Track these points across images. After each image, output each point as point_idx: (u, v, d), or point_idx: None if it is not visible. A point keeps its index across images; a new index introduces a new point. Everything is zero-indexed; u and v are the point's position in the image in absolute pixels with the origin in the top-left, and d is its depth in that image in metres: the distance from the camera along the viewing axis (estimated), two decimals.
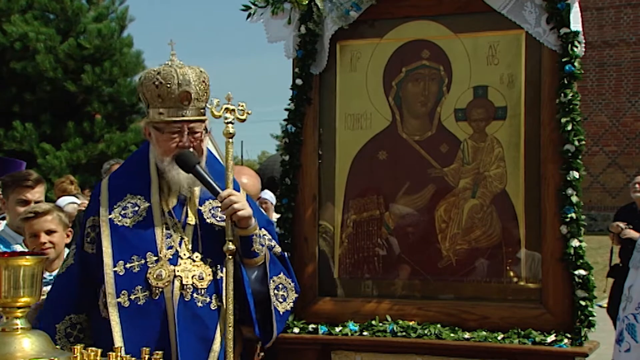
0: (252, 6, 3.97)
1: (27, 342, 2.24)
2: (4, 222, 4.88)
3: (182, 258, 3.24)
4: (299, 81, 3.92)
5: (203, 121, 3.36)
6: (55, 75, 13.41)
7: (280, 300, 3.44)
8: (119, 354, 2.28)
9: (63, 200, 6.33)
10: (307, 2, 3.86)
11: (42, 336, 2.31)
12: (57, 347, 2.79)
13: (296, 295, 3.54)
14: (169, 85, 3.25)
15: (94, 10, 14.51)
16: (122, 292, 3.17)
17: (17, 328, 2.27)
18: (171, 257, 3.22)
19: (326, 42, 3.89)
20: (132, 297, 3.16)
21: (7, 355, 2.19)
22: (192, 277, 3.22)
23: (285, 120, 3.96)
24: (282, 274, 3.48)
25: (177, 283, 3.18)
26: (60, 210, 4.23)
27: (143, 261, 3.20)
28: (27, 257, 2.31)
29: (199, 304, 3.21)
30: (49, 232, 4.04)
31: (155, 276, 3.18)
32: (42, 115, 13.54)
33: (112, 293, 3.17)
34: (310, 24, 3.88)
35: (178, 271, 3.20)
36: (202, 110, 3.35)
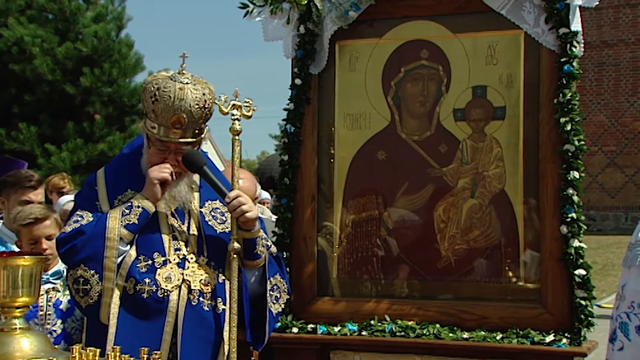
0: (250, 5, 3.97)
1: (26, 342, 2.24)
2: (1, 221, 4.86)
3: (189, 261, 3.22)
4: (298, 81, 3.92)
5: (194, 143, 3.27)
6: (54, 77, 13.37)
7: (274, 301, 3.42)
8: (117, 354, 2.28)
9: (64, 199, 6.34)
10: (306, 2, 3.86)
11: (40, 336, 2.31)
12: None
13: (287, 296, 3.52)
14: (163, 105, 3.15)
15: (92, 11, 14.46)
16: (130, 278, 3.13)
17: (16, 328, 2.27)
18: (180, 260, 3.21)
19: (325, 42, 3.89)
20: (138, 287, 3.13)
21: (5, 355, 2.18)
22: (200, 281, 3.21)
23: (284, 120, 3.96)
24: (277, 274, 3.47)
25: (184, 287, 3.17)
26: (53, 211, 4.22)
27: (150, 262, 3.17)
28: (26, 257, 2.30)
29: (206, 308, 3.20)
30: (49, 238, 4.03)
31: (164, 278, 3.16)
32: (41, 116, 13.49)
33: (123, 275, 3.12)
34: (310, 24, 3.87)
35: (186, 275, 3.19)
36: (196, 131, 3.25)
